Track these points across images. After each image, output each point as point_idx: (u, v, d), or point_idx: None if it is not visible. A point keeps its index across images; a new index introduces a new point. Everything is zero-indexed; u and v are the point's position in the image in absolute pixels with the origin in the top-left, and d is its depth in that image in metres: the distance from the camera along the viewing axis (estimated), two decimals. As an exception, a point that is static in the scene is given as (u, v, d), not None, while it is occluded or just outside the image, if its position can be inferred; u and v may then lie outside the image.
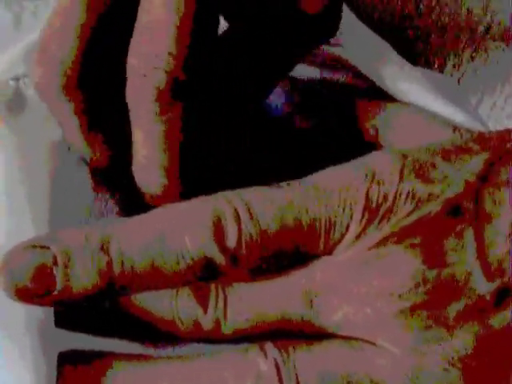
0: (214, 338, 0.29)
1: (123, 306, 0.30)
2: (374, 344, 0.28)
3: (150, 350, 0.30)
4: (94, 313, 0.30)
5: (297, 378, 0.28)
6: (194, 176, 0.31)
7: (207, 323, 0.29)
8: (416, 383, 0.27)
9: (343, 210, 0.28)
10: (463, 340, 0.27)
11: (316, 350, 0.28)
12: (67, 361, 0.28)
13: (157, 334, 0.30)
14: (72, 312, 0.30)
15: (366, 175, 0.28)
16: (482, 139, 0.31)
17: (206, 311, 0.29)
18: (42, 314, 0.28)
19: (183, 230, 0.28)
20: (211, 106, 0.31)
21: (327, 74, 0.39)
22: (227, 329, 0.29)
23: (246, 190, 0.29)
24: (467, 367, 0.27)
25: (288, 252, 0.28)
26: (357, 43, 0.38)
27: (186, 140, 0.30)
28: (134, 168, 0.31)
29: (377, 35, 0.39)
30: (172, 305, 0.29)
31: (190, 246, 0.27)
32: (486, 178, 0.29)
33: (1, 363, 0.27)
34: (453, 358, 0.27)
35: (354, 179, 0.28)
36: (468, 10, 0.43)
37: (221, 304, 0.29)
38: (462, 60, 0.43)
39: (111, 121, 0.32)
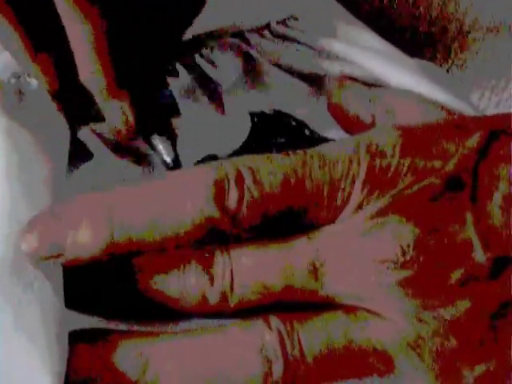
0: (221, 310, 0.30)
1: (131, 283, 0.30)
2: (376, 313, 0.29)
3: (157, 327, 0.31)
4: (102, 293, 0.31)
5: (300, 346, 0.28)
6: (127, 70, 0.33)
7: (214, 296, 0.29)
8: (417, 351, 0.28)
9: (345, 179, 0.29)
10: (462, 307, 0.28)
11: (319, 320, 0.29)
12: (78, 339, 0.29)
13: (164, 311, 0.31)
14: (81, 293, 0.30)
15: (369, 148, 0.29)
16: (478, 119, 0.32)
17: (212, 284, 0.30)
18: (53, 295, 0.29)
19: (185, 192, 0.29)
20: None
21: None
22: (233, 300, 0.29)
23: (251, 156, 0.30)
24: (466, 334, 0.28)
25: (290, 216, 0.29)
26: (350, 34, 0.39)
27: (111, 39, 0.31)
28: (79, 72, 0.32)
29: (367, 26, 0.40)
30: (179, 280, 0.30)
31: (192, 208, 0.28)
32: (483, 153, 0.30)
33: (12, 343, 0.28)
34: (452, 325, 0.28)
35: (357, 151, 0.29)
36: (456, 2, 0.44)
37: (227, 276, 0.29)
38: (450, 51, 0.44)
39: (55, 43, 0.33)
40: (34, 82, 0.35)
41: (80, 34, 0.31)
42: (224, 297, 0.29)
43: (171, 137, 0.35)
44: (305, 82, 0.39)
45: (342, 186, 0.29)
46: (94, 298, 0.31)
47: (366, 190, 0.29)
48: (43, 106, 0.35)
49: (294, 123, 0.37)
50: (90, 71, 0.32)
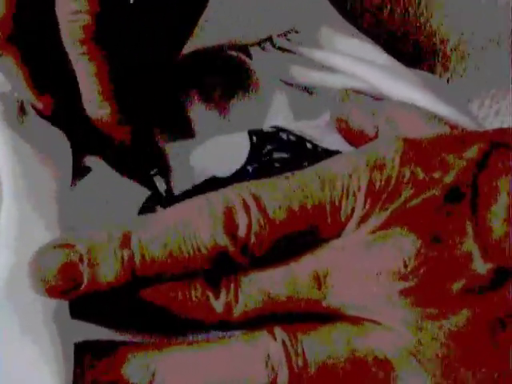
0: (225, 321, 0.30)
1: (137, 295, 0.31)
2: (378, 322, 0.29)
3: (163, 339, 0.31)
4: (108, 304, 0.31)
5: (304, 357, 0.29)
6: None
7: (218, 306, 0.30)
8: (418, 358, 0.29)
9: (347, 194, 0.29)
10: (463, 317, 0.29)
11: (322, 331, 0.29)
12: (84, 351, 0.29)
13: (168, 322, 0.31)
14: (87, 303, 0.31)
15: (369, 161, 0.30)
16: (478, 133, 0.32)
17: (218, 293, 0.30)
18: (59, 305, 0.29)
19: (197, 222, 0.29)
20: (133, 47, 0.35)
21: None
22: (238, 311, 0.30)
23: (253, 181, 0.30)
24: (467, 342, 0.29)
25: (297, 237, 0.29)
26: (352, 46, 0.40)
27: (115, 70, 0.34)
28: (83, 102, 0.34)
29: (368, 39, 0.41)
30: (185, 289, 0.30)
31: (204, 237, 0.29)
32: (482, 165, 0.30)
33: (19, 352, 0.28)
34: (453, 334, 0.29)
35: (356, 165, 0.30)
36: (456, 13, 0.44)
37: (232, 286, 0.30)
38: (450, 61, 0.44)
39: (55, 69, 0.34)
40: None
41: (86, 72, 0.33)
42: (229, 306, 0.30)
43: (164, 172, 0.36)
44: (307, 96, 0.40)
45: (344, 203, 0.29)
46: (99, 308, 0.31)
47: (368, 204, 0.29)
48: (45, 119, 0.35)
49: (293, 138, 0.37)
50: (97, 104, 0.34)
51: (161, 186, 0.36)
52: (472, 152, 0.30)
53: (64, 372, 0.28)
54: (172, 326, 0.31)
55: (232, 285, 0.30)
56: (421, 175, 0.30)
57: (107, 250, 0.29)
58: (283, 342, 0.29)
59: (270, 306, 0.30)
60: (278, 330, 0.29)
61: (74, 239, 0.29)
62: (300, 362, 0.29)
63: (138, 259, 0.29)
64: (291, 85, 0.40)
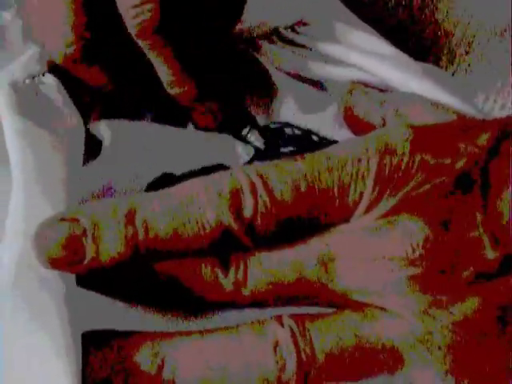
0: (234, 300, 0.30)
1: (146, 271, 0.31)
2: (385, 309, 0.29)
3: (171, 320, 0.32)
4: (116, 278, 0.31)
5: (312, 345, 0.29)
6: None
7: (227, 285, 0.30)
8: (426, 345, 0.29)
9: (356, 179, 0.29)
10: (471, 304, 0.29)
11: (329, 320, 0.30)
12: (94, 340, 0.29)
13: (177, 301, 0.31)
14: (93, 276, 0.31)
15: (379, 146, 0.30)
16: (488, 120, 0.32)
17: (226, 274, 0.30)
18: (68, 291, 0.29)
19: (203, 200, 0.29)
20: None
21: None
22: (247, 291, 0.30)
23: (262, 163, 0.30)
24: (475, 328, 0.29)
25: (305, 221, 0.30)
26: (358, 39, 0.40)
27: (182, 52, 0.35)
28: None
29: (375, 31, 0.41)
30: (194, 269, 0.30)
31: (209, 216, 0.29)
32: (493, 153, 0.30)
33: (29, 341, 0.28)
34: (461, 321, 0.29)
35: (366, 150, 0.30)
36: (461, 7, 0.44)
37: (241, 267, 0.30)
38: (455, 54, 0.44)
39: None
40: (48, 82, 0.36)
41: (155, 60, 0.35)
42: (238, 285, 0.30)
43: (258, 126, 0.37)
44: (313, 88, 0.40)
45: (353, 187, 0.29)
46: (108, 279, 0.31)
47: (377, 188, 0.29)
48: (58, 105, 0.35)
49: (298, 132, 0.38)
50: (172, 85, 0.36)
51: (259, 140, 0.37)
52: (483, 139, 0.30)
53: (73, 359, 0.28)
54: (184, 304, 0.32)
55: (241, 264, 0.30)
56: (431, 161, 0.30)
57: (111, 226, 0.29)
58: (291, 330, 0.29)
59: (278, 287, 0.30)
60: (286, 319, 0.30)
61: (78, 213, 0.29)
62: (308, 350, 0.29)
63: (141, 235, 0.29)
64: (298, 78, 0.40)
